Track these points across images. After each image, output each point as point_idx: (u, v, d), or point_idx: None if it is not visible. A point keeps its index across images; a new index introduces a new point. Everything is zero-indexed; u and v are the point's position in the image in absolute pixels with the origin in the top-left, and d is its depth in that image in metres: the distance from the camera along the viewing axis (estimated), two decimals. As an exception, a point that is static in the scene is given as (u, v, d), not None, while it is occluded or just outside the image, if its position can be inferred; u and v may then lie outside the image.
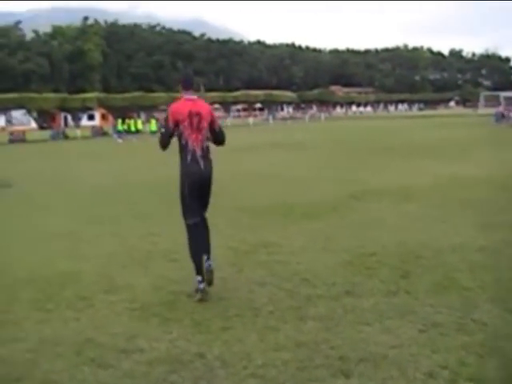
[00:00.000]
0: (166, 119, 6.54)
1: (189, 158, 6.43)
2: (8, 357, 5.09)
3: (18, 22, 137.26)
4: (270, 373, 4.52)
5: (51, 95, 67.18)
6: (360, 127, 55.77)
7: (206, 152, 6.54)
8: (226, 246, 8.57)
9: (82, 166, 25.52)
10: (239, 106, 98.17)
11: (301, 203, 12.29)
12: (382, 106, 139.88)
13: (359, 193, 13.35)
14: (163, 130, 6.58)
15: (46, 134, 60.64)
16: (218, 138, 6.83)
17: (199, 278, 6.37)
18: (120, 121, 50.68)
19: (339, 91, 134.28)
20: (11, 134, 58.30)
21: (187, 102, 6.55)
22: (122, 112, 61.84)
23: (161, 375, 4.58)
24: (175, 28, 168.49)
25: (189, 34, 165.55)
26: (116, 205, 13.24)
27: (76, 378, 4.61)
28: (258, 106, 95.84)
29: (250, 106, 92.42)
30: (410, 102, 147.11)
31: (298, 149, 28.78)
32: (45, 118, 72.81)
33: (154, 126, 50.36)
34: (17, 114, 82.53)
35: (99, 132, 63.74)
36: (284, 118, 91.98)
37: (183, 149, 6.45)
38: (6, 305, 6.46)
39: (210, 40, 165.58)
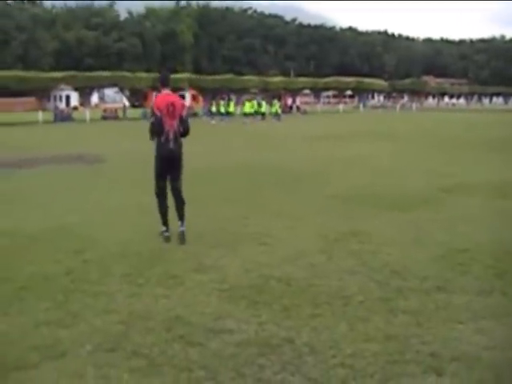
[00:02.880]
0: (152, 110, 8.38)
1: (163, 138, 8.26)
2: (101, 327, 5.25)
3: (113, 3, 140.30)
4: (359, 363, 4.47)
5: (143, 74, 68.30)
6: (452, 119, 54.29)
7: (176, 136, 8.32)
8: (316, 233, 8.55)
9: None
10: (329, 93, 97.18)
11: (391, 193, 12.12)
12: (475, 98, 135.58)
13: (451, 186, 13.02)
14: (153, 119, 8.34)
15: (138, 112, 61.82)
16: (184, 125, 8.43)
17: (164, 228, 8.54)
18: (214, 102, 51.13)
19: (431, 81, 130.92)
20: (104, 110, 59.81)
21: (165, 96, 8.43)
22: (213, 94, 62.39)
23: (249, 357, 4.60)
24: (266, 12, 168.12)
25: (280, 18, 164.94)
26: (205, 186, 13.37)
27: (166, 354, 4.69)
28: (349, 93, 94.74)
29: (340, 93, 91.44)
30: (506, 96, 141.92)
31: (389, 139, 28.29)
32: (137, 97, 74.22)
33: (248, 107, 50.51)
34: (109, 92, 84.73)
35: (190, 113, 64.39)
36: (374, 107, 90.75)
37: (160, 132, 8.23)
38: (99, 277, 6.66)
39: (301, 25, 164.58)
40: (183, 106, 8.59)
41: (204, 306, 5.69)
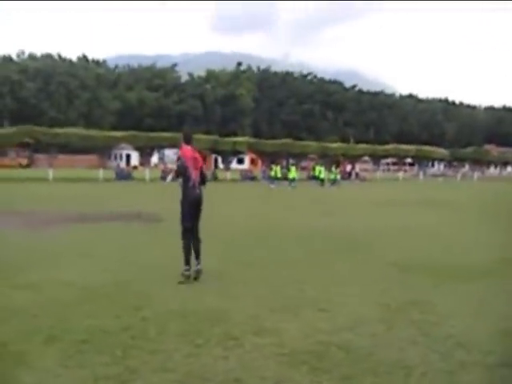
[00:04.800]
0: (179, 157, 9.87)
1: (190, 184, 9.62)
2: (156, 385, 5.21)
3: (175, 65, 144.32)
4: None
5: (203, 137, 69.39)
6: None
7: (199, 184, 9.76)
8: (376, 301, 8.41)
9: (231, 208, 26.11)
10: (389, 160, 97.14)
11: (451, 264, 11.85)
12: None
13: (514, 259, 12.68)
14: (179, 162, 9.80)
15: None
16: (202, 175, 9.92)
17: (187, 267, 9.59)
18: (274, 167, 51.31)
19: (493, 150, 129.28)
20: (163, 171, 60.84)
21: (189, 150, 9.81)
22: (271, 158, 62.95)
23: (309, 425, 4.51)
24: (326, 77, 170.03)
25: (340, 84, 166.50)
26: (264, 249, 13.35)
27: (226, 418, 4.64)
28: (409, 160, 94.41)
29: (400, 161, 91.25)
30: None
31: (450, 208, 27.90)
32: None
33: (293, 173, 50.55)
34: (169, 153, 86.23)
35: (248, 176, 65.02)
36: (435, 175, 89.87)
37: (188, 179, 9.60)
38: (156, 334, 6.68)
39: (361, 91, 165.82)
40: (202, 160, 10.05)
41: (263, 370, 5.63)
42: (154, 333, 6.73)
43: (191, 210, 9.70)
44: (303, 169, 75.90)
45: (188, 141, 9.88)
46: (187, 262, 9.65)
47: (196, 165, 9.72)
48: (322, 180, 51.75)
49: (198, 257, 9.77)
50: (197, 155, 9.87)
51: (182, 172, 9.70)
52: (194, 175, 9.64)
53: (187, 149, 9.80)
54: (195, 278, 9.56)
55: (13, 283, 9.11)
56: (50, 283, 9.16)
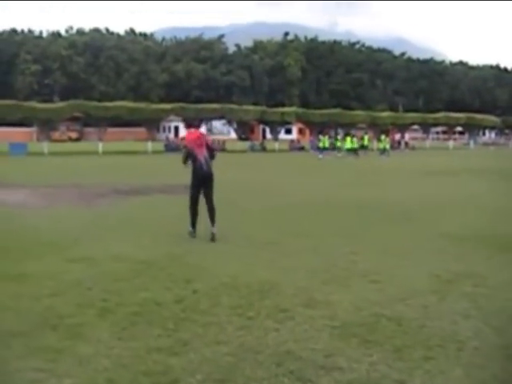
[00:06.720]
0: (185, 144, 11.69)
1: (197, 164, 10.84)
2: (211, 357, 5.29)
3: (222, 36, 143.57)
4: (477, 412, 4.29)
5: (251, 107, 69.16)
6: None
7: (207, 160, 10.88)
8: (429, 272, 8.33)
9: (282, 178, 26.08)
10: (439, 129, 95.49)
11: (507, 235, 11.62)
12: None
13: None
14: (185, 150, 11.27)
15: (245, 144, 62.75)
16: (210, 149, 11.24)
17: (192, 229, 11.08)
18: (321, 137, 50.82)
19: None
20: (212, 142, 61.03)
21: (193, 133, 11.39)
22: (319, 128, 62.53)
23: (361, 398, 4.52)
24: (375, 46, 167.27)
25: (389, 52, 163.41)
26: (315, 221, 13.34)
27: (277, 389, 4.66)
28: (459, 129, 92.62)
29: (450, 129, 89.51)
30: None
31: (502, 177, 27.39)
32: (244, 130, 75.34)
33: (349, 143, 50.04)
34: (217, 124, 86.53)
35: (297, 146, 64.87)
36: (486, 144, 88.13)
37: (195, 160, 10.84)
38: (209, 307, 6.74)
39: (410, 59, 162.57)
40: (206, 137, 11.47)
41: (315, 342, 5.64)
42: (206, 305, 6.79)
43: (199, 184, 11.04)
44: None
45: (190, 126, 11.29)
46: (193, 225, 11.10)
47: (200, 144, 10.91)
48: (355, 150, 49.73)
49: (213, 223, 10.92)
50: (199, 134, 11.32)
51: (188, 157, 11.01)
52: (201, 154, 10.82)
53: (190, 132, 11.49)
54: (212, 239, 10.67)
55: (67, 256, 9.29)
56: (103, 256, 9.32)
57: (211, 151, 11.25)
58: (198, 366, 5.07)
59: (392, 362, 5.18)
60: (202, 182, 11.05)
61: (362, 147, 52.56)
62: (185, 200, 11.64)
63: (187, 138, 11.57)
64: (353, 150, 48.23)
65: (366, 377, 4.88)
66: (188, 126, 12.22)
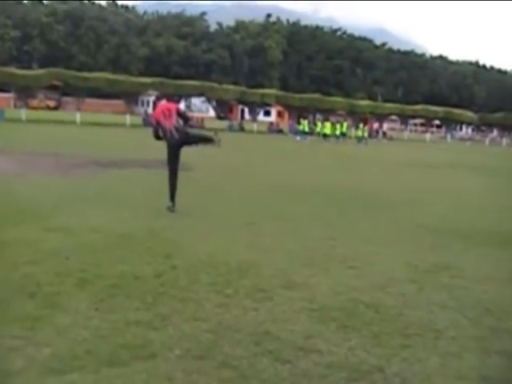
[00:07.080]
0: (153, 120, 11.50)
1: (168, 135, 11.01)
2: (190, 333, 5.28)
3: (204, 13, 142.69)
4: (454, 401, 4.34)
5: (231, 87, 68.98)
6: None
7: (177, 128, 11.03)
8: (405, 261, 8.38)
9: (262, 161, 26.08)
10: (417, 121, 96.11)
11: (484, 228, 11.74)
12: None
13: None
14: (153, 127, 11.32)
15: (223, 123, 62.50)
16: (183, 116, 11.44)
17: (171, 203, 11.08)
18: (302, 121, 51.10)
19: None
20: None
21: (161, 106, 11.46)
22: (298, 112, 62.59)
23: (339, 381, 4.54)
24: (356, 34, 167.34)
25: (370, 41, 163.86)
26: (293, 204, 13.33)
27: (255, 368, 4.68)
28: (436, 122, 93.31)
29: (427, 122, 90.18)
30: None
31: (479, 172, 27.65)
32: (223, 109, 75.11)
33: (328, 129, 50.41)
34: (196, 101, 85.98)
35: (275, 129, 64.85)
36: (462, 139, 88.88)
37: (164, 131, 11.04)
38: (187, 283, 6.71)
39: (391, 50, 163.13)
40: (175, 107, 11.43)
41: (293, 324, 5.65)
42: (185, 281, 6.76)
43: (175, 153, 11.20)
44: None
45: (160, 100, 11.24)
46: (172, 199, 11.14)
47: (169, 115, 11.06)
48: (325, 135, 51.02)
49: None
50: (168, 106, 11.39)
51: (158, 130, 11.19)
52: (168, 124, 11.01)
53: (159, 106, 11.59)
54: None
55: (45, 225, 9.18)
56: (81, 227, 9.23)
57: (184, 118, 11.52)
58: (177, 342, 5.06)
59: (370, 348, 5.20)
60: (176, 150, 11.22)
61: (341, 134, 52.76)
62: (164, 175, 11.60)
63: (154, 114, 11.57)
64: (328, 137, 48.67)
65: (344, 361, 4.90)
66: (158, 99, 12.38)
